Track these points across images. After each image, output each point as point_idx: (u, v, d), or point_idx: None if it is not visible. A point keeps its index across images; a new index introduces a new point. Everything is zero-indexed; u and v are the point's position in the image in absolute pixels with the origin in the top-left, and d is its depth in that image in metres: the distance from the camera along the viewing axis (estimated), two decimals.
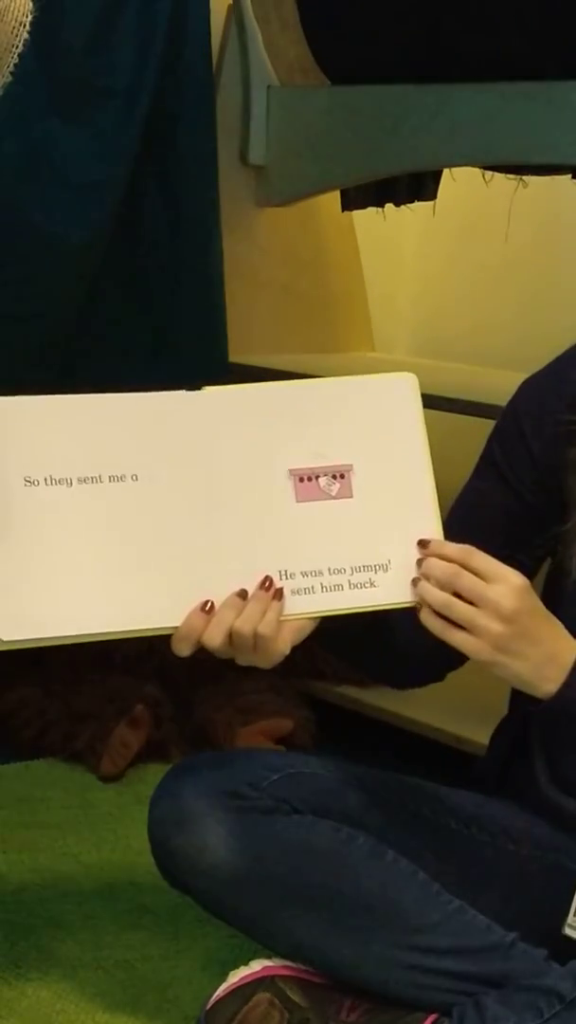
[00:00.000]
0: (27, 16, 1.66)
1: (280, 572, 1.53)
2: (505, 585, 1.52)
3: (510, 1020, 1.59)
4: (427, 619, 1.54)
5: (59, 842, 2.28)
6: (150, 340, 2.79)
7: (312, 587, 1.54)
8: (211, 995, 1.70)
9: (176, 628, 1.53)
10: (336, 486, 1.54)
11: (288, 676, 2.74)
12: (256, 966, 1.70)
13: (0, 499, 1.47)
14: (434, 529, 1.56)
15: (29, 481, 1.49)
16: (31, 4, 1.67)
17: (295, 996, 1.68)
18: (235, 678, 2.70)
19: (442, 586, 1.53)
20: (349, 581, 1.54)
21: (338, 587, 1.54)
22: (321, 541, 1.54)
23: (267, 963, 1.70)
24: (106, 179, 2.75)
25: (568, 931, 1.67)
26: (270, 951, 1.71)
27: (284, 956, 1.70)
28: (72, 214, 2.70)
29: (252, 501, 1.54)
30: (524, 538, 1.69)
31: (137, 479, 1.52)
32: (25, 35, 1.67)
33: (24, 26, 1.66)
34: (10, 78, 1.70)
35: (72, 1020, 1.80)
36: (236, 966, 1.71)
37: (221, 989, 1.70)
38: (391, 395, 1.58)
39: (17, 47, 1.67)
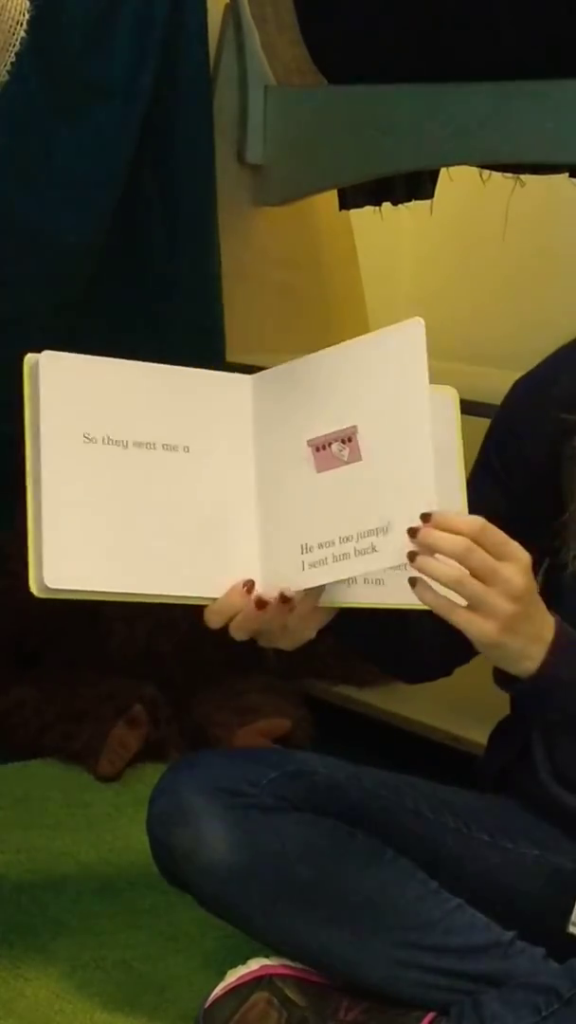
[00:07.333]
0: (24, 15, 1.67)
1: (302, 546, 1.52)
2: (516, 563, 1.47)
3: (508, 1018, 1.59)
4: (424, 595, 1.46)
5: (57, 842, 2.28)
6: (148, 339, 2.79)
7: (325, 559, 1.51)
8: (209, 994, 1.70)
9: (214, 600, 1.52)
10: (346, 451, 1.52)
11: (286, 676, 2.74)
12: (254, 965, 1.70)
13: (59, 451, 1.48)
14: (429, 488, 1.46)
15: (88, 438, 1.50)
16: (28, 3, 1.67)
17: (293, 995, 1.68)
18: (233, 678, 2.70)
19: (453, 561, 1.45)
20: (355, 548, 1.50)
21: (346, 556, 1.50)
22: (334, 510, 1.51)
23: (265, 962, 1.70)
24: (104, 179, 2.75)
25: (572, 929, 1.67)
26: (268, 949, 1.71)
27: (282, 954, 1.70)
28: (69, 214, 2.70)
29: (283, 477, 1.54)
30: (522, 539, 1.68)
31: (188, 451, 1.53)
32: (22, 34, 1.67)
33: (21, 25, 1.66)
34: (7, 77, 1.70)
35: (70, 1020, 1.80)
36: (234, 965, 1.71)
37: (219, 988, 1.70)
38: (394, 346, 1.52)
39: (14, 46, 1.67)
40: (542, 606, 1.54)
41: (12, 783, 2.48)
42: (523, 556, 1.49)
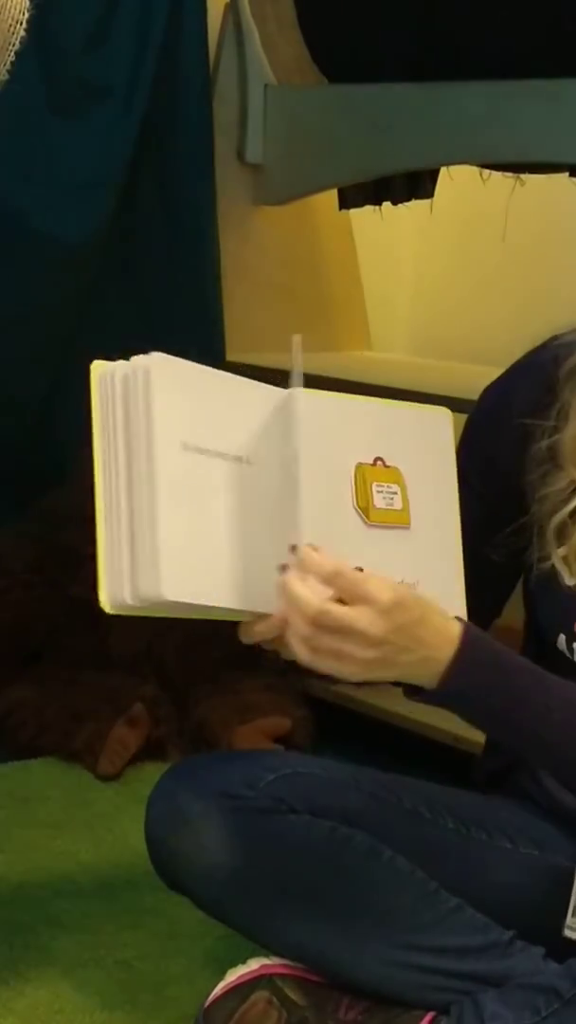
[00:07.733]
0: (24, 14, 1.66)
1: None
2: (371, 609, 1.44)
3: (508, 1018, 1.60)
4: (293, 641, 1.46)
5: (57, 841, 2.28)
6: (147, 339, 2.78)
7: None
8: (209, 994, 1.70)
9: (267, 616, 1.48)
10: None
11: (286, 675, 2.74)
12: (254, 964, 1.70)
13: (169, 458, 1.45)
14: (296, 520, 1.47)
15: (186, 446, 1.47)
16: (28, 2, 1.67)
17: (293, 995, 1.68)
18: (233, 678, 2.70)
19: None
20: None
21: None
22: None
23: (265, 962, 1.70)
24: (103, 178, 2.75)
25: (568, 932, 1.67)
26: (268, 951, 1.71)
27: (282, 956, 1.69)
28: (69, 213, 2.70)
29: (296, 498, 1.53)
30: (495, 542, 1.68)
31: (251, 464, 1.50)
32: (22, 33, 1.67)
33: (21, 24, 1.65)
34: (7, 76, 1.70)
35: (70, 1019, 1.80)
36: (234, 965, 1.71)
37: (219, 988, 1.70)
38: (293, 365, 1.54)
39: (14, 45, 1.67)
40: (428, 628, 1.49)
41: (12, 782, 2.48)
42: (380, 597, 1.45)
